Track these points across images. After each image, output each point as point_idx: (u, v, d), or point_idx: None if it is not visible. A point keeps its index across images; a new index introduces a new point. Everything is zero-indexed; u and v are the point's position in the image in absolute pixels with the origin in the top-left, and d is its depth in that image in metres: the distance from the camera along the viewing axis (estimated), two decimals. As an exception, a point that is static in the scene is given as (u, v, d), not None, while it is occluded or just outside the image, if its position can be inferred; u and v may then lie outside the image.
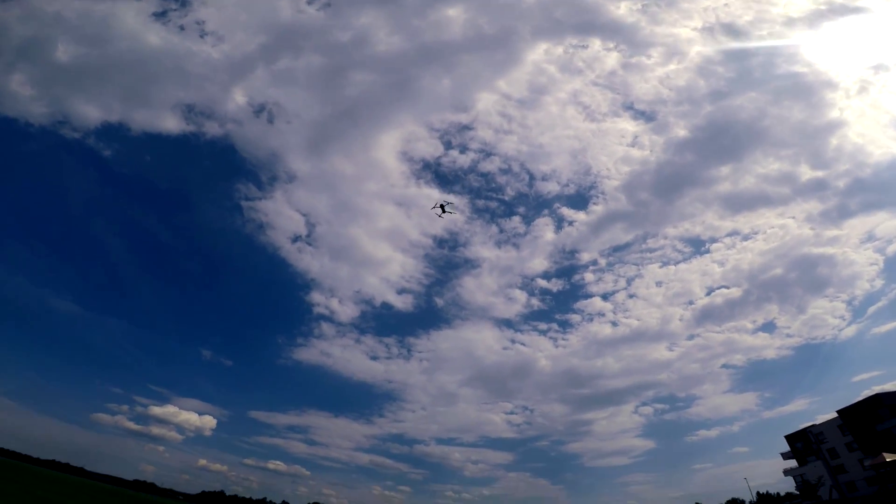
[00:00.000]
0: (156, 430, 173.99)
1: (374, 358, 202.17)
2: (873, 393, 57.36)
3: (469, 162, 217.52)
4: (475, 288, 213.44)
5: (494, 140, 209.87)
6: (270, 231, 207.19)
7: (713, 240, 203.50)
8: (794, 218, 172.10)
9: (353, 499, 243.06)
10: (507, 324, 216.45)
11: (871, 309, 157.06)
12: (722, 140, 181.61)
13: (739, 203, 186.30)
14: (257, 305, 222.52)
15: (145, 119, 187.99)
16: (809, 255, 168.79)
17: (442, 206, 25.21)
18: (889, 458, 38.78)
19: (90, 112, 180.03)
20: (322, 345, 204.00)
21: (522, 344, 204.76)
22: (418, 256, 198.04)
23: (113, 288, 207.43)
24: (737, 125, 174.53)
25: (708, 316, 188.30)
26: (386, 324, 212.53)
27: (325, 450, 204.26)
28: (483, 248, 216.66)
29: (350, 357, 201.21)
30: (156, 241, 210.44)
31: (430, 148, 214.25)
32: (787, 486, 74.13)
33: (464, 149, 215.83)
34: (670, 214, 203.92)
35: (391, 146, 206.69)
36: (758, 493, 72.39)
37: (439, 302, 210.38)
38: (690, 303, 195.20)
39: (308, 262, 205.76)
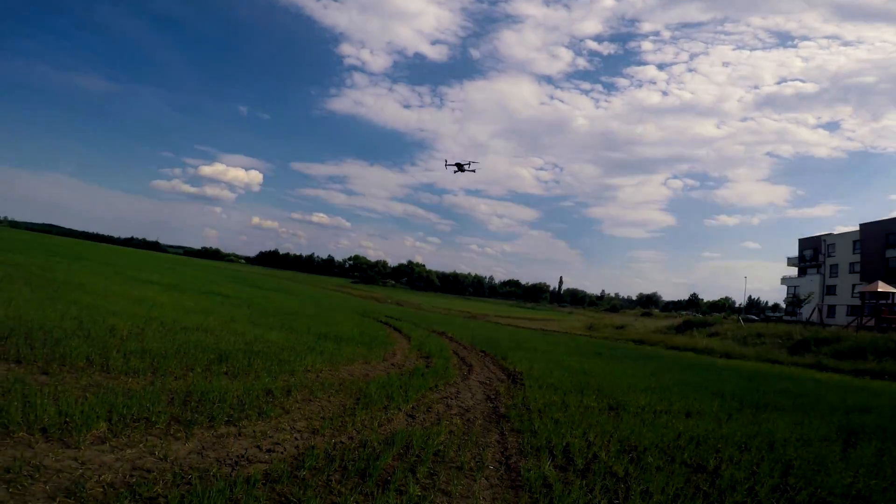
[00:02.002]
0: (210, 190, 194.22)
1: (407, 106, 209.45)
2: (905, 213, 53.94)
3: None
4: (515, 42, 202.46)
5: None
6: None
7: (805, 38, 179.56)
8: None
9: (388, 250, 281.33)
10: (547, 80, 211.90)
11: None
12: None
13: (854, 13, 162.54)
14: (286, 61, 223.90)
15: None
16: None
17: (459, 166, 21.48)
18: (882, 288, 40.52)
19: None
20: (355, 94, 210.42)
21: (561, 101, 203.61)
22: (455, 9, 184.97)
23: (139, 60, 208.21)
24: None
25: (770, 103, 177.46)
26: (419, 73, 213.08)
27: (362, 199, 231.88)
28: (528, 5, 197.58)
29: (383, 106, 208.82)
30: (169, 15, 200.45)
31: None
32: (779, 296, 79.69)
33: None
34: (761, 6, 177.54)
35: None
36: (749, 297, 79.65)
37: (475, 54, 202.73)
38: (755, 87, 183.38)
39: (335, 17, 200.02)
